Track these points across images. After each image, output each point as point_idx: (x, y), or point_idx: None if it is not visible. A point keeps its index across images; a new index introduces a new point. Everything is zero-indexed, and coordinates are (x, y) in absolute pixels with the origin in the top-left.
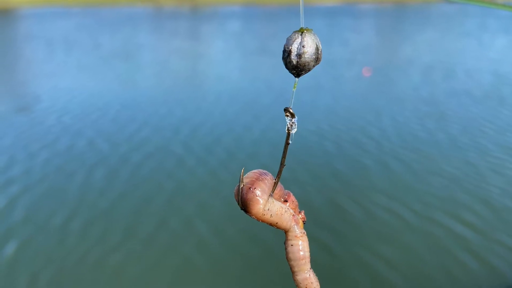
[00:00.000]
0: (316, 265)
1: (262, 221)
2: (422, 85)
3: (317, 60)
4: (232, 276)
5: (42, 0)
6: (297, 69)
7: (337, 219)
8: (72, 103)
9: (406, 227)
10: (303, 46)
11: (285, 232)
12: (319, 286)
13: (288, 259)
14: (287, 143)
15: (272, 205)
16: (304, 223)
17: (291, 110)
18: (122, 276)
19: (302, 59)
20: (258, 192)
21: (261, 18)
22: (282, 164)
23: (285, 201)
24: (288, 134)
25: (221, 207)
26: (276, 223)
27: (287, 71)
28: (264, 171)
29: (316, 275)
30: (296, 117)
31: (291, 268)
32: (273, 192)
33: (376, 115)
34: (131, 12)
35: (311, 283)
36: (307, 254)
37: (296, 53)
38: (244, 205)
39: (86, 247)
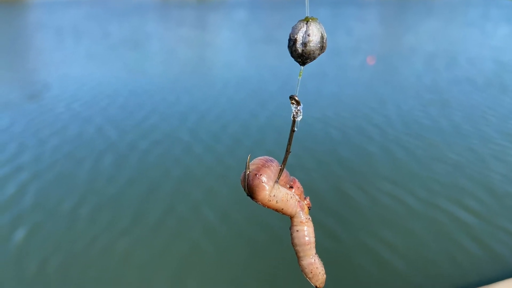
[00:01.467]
0: (321, 250)
1: (268, 207)
2: (425, 73)
3: (322, 48)
4: (238, 261)
5: None
6: (303, 58)
7: (342, 205)
8: (81, 90)
9: (410, 213)
10: (308, 35)
11: (291, 218)
12: (324, 271)
13: (293, 244)
14: (292, 130)
15: (278, 191)
16: (309, 209)
17: (296, 98)
18: (130, 262)
19: (308, 47)
20: (264, 178)
21: (267, 8)
22: (287, 151)
23: (291, 187)
24: (294, 121)
25: (228, 193)
26: (282, 209)
27: (292, 59)
28: (270, 157)
29: (321, 260)
30: (301, 104)
31: (296, 253)
32: (278, 179)
33: (380, 103)
34: (139, 1)
35: (316, 268)
36: (312, 239)
37: (301, 41)
38: (250, 191)
39: (94, 232)
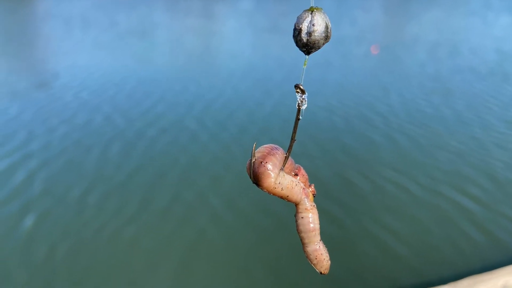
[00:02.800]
0: (325, 237)
1: (273, 194)
2: (428, 62)
3: (326, 38)
4: (244, 247)
5: None
6: (307, 47)
7: (346, 192)
8: (89, 79)
9: (413, 200)
10: (313, 25)
11: (296, 205)
12: (328, 257)
13: (298, 231)
14: (297, 119)
15: (283, 179)
16: (314, 196)
17: (301, 87)
18: (137, 248)
19: (312, 37)
20: (269, 166)
21: None
22: (292, 139)
23: (296, 175)
24: (299, 109)
25: (234, 181)
26: (287, 196)
27: (297, 49)
28: (275, 145)
29: (326, 246)
30: (306, 93)
31: (301, 240)
32: (284, 166)
33: (383, 92)
34: None
35: (321, 254)
36: (317, 226)
37: (306, 31)
38: (256, 178)
39: (102, 219)
